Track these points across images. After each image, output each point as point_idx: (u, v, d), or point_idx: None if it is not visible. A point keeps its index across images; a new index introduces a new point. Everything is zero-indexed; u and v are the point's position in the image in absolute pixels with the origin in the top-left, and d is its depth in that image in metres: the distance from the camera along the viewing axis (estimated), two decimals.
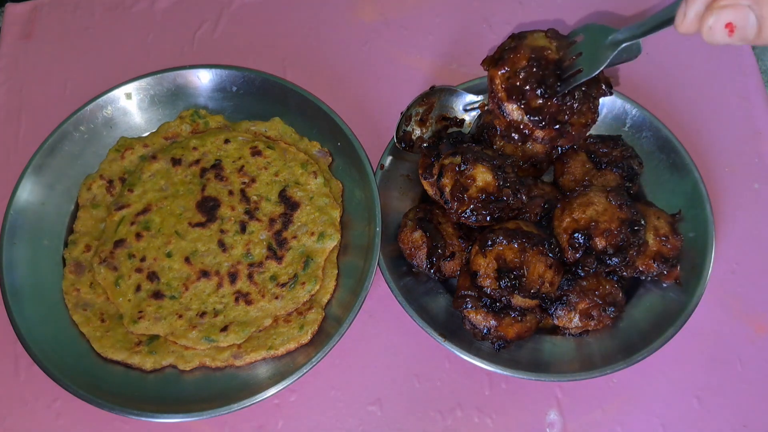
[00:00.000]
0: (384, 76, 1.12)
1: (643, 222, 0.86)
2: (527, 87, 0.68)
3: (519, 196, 0.88)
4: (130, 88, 1.00)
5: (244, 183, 0.96)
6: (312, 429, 0.89)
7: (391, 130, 0.95)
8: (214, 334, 0.87)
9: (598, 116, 0.70)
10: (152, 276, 0.91)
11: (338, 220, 0.95)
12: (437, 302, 0.91)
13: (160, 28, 1.16)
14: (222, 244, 0.93)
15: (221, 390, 0.85)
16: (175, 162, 0.98)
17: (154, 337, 0.89)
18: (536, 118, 0.69)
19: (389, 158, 0.96)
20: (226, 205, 0.95)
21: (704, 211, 0.91)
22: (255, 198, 0.96)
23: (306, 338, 0.88)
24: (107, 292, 0.91)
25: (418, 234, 0.89)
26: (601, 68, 0.65)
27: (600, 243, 0.85)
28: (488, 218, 0.86)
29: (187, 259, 0.92)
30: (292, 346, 0.88)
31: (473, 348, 0.86)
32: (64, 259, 0.93)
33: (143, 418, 0.82)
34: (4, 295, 0.87)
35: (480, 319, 0.85)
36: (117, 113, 1.01)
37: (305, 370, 0.83)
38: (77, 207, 0.97)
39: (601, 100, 0.95)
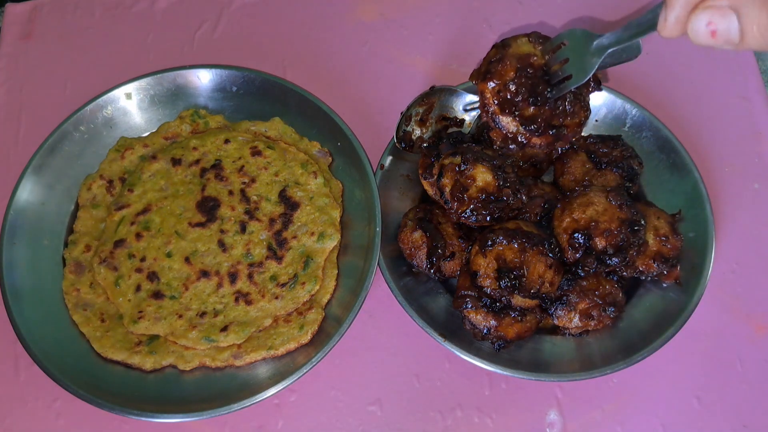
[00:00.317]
0: (384, 76, 1.12)
1: (643, 222, 0.86)
2: (519, 98, 0.68)
3: (519, 196, 0.88)
4: (130, 88, 1.00)
5: (244, 183, 0.96)
6: (312, 429, 0.89)
7: (391, 130, 0.95)
8: (214, 334, 0.87)
9: (590, 112, 0.70)
10: (152, 276, 0.91)
11: (338, 220, 0.95)
12: (437, 302, 0.91)
13: (160, 28, 1.16)
14: (222, 244, 0.93)
15: (221, 390, 0.85)
16: (175, 162, 0.98)
17: (154, 337, 0.89)
18: (532, 127, 0.69)
19: (389, 158, 0.96)
20: (226, 205, 0.95)
21: (704, 211, 0.91)
22: (255, 198, 0.96)
23: (306, 338, 0.88)
24: (107, 292, 0.91)
25: (418, 234, 0.89)
26: (590, 74, 0.65)
27: (600, 243, 0.85)
28: (488, 218, 0.86)
29: (187, 259, 0.92)
30: (292, 346, 0.88)
31: (473, 348, 0.86)
32: (64, 259, 0.93)
33: (143, 418, 0.82)
34: (4, 295, 0.87)
35: (480, 319, 0.85)
36: (117, 113, 1.01)
37: (305, 370, 0.83)
38: (77, 207, 0.97)
39: (602, 100, 0.95)
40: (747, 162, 1.04)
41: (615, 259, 0.85)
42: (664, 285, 0.90)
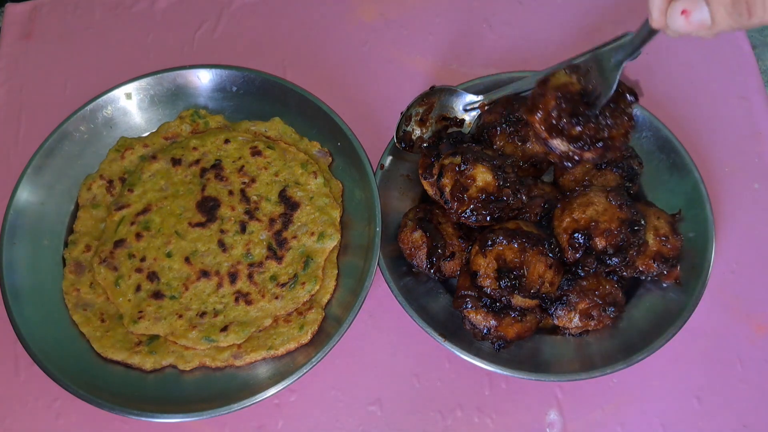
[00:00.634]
0: (384, 76, 1.12)
1: (643, 222, 0.86)
2: (564, 121, 0.75)
3: (519, 196, 0.88)
4: (130, 88, 1.00)
5: (244, 183, 0.96)
6: (312, 429, 0.89)
7: (391, 130, 0.95)
8: (214, 334, 0.87)
9: (635, 122, 0.78)
10: (152, 276, 0.91)
11: (338, 220, 0.95)
12: (437, 302, 0.91)
13: (160, 28, 1.16)
14: (222, 244, 0.93)
15: (221, 390, 0.85)
16: (175, 162, 0.98)
17: (154, 337, 0.89)
18: (580, 144, 0.76)
19: (389, 158, 0.96)
20: (226, 205, 0.95)
21: (704, 211, 0.91)
22: (255, 198, 0.96)
23: (306, 338, 0.88)
24: (107, 292, 0.91)
25: (418, 234, 0.89)
26: (614, 87, 0.73)
27: (600, 243, 0.85)
28: (488, 218, 0.86)
29: (187, 259, 0.92)
30: (292, 346, 0.88)
31: (473, 348, 0.86)
32: (64, 259, 0.93)
33: (143, 418, 0.82)
34: (4, 295, 0.87)
35: (480, 319, 0.85)
36: (117, 113, 1.01)
37: (305, 370, 0.83)
38: (77, 207, 0.97)
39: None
40: (747, 162, 1.04)
41: (615, 259, 0.85)
42: (664, 285, 0.90)
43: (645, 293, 0.91)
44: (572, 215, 0.87)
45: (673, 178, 0.95)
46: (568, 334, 0.89)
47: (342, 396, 0.91)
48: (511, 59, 1.13)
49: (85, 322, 0.89)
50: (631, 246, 0.85)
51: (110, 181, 0.98)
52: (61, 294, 0.91)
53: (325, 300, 0.91)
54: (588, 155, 0.77)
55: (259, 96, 1.02)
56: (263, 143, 0.99)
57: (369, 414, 0.90)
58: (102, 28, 1.16)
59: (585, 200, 0.87)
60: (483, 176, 0.86)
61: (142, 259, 0.92)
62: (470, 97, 0.98)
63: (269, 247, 0.93)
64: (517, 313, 0.85)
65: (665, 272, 0.87)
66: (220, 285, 0.91)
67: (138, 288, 0.90)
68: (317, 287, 0.91)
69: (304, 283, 0.90)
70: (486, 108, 0.97)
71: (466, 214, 0.87)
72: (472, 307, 0.85)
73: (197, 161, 0.98)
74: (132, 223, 0.94)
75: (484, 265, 0.84)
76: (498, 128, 0.94)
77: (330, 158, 1.00)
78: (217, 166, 0.97)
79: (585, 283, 0.87)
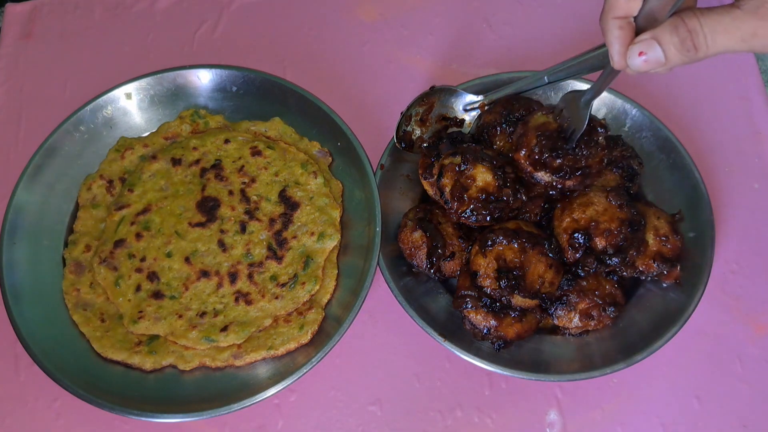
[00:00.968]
0: (384, 76, 1.12)
1: (643, 222, 0.86)
2: (545, 156, 0.86)
3: (519, 196, 0.88)
4: (130, 88, 1.00)
5: (244, 183, 0.97)
6: (312, 429, 0.89)
7: (391, 130, 0.95)
8: (214, 334, 0.87)
9: (606, 151, 0.88)
10: (152, 276, 0.91)
11: (338, 220, 0.95)
12: (437, 302, 0.91)
13: (160, 28, 1.16)
14: (222, 244, 0.93)
15: (221, 390, 0.85)
16: (175, 162, 0.98)
17: (154, 337, 0.89)
18: (561, 174, 0.86)
19: (389, 158, 0.96)
20: (226, 205, 0.95)
21: (704, 211, 0.91)
22: (255, 198, 0.96)
23: (306, 338, 0.88)
24: (107, 292, 0.91)
25: (418, 234, 0.89)
26: (586, 122, 0.83)
27: (600, 243, 0.85)
28: (488, 218, 0.86)
29: (187, 259, 0.92)
30: (292, 346, 0.88)
31: (473, 348, 0.86)
32: (64, 259, 0.93)
33: (143, 418, 0.82)
34: (4, 295, 0.87)
35: (480, 319, 0.85)
36: (117, 113, 1.01)
37: (305, 370, 0.83)
38: (77, 207, 0.97)
39: (603, 100, 0.96)
40: (747, 162, 1.04)
41: (615, 259, 0.85)
42: (664, 285, 0.90)
43: (645, 293, 0.91)
44: (572, 215, 0.87)
45: (673, 178, 0.95)
46: (568, 334, 0.89)
47: (342, 396, 0.91)
48: (511, 59, 1.13)
49: (85, 322, 0.89)
50: (631, 246, 0.85)
51: (110, 181, 0.98)
52: (61, 294, 0.91)
53: (325, 300, 0.91)
54: (569, 183, 0.87)
55: (259, 96, 1.02)
56: (263, 143, 0.99)
57: (369, 414, 0.90)
58: (102, 28, 1.16)
59: (585, 200, 0.87)
60: (483, 176, 0.86)
61: (142, 259, 0.92)
62: (470, 97, 0.98)
63: (269, 247, 0.93)
64: (517, 313, 0.85)
65: (665, 272, 0.87)
66: (220, 285, 0.91)
67: (138, 288, 0.90)
68: (317, 287, 0.91)
69: (304, 283, 0.90)
70: (486, 108, 0.97)
71: (466, 214, 0.87)
72: (472, 307, 0.85)
73: (197, 161, 0.98)
74: (132, 223, 0.94)
75: (484, 265, 0.84)
76: (498, 128, 0.94)
77: (330, 158, 1.00)
78: (217, 166, 0.97)
79: (585, 283, 0.87)
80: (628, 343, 0.86)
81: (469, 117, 0.99)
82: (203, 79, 1.02)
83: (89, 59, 1.14)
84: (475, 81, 0.99)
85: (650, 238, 0.87)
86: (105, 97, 0.99)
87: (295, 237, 0.93)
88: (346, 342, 0.88)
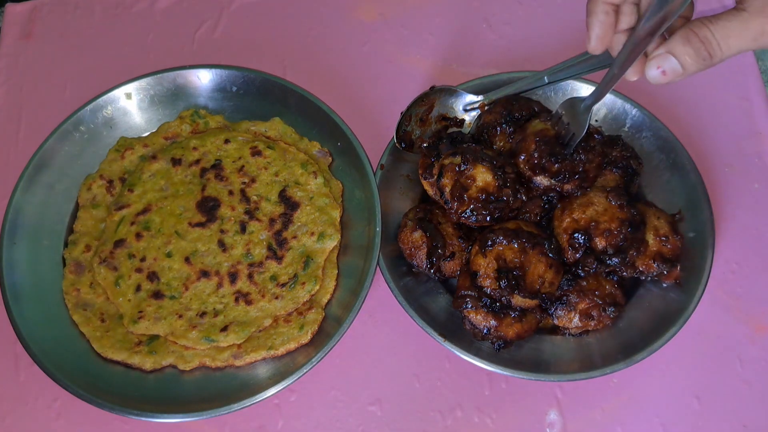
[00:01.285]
0: (384, 76, 1.12)
1: (643, 222, 0.86)
2: (544, 161, 0.87)
3: (519, 196, 0.88)
4: (130, 88, 1.00)
5: (244, 183, 0.97)
6: (312, 429, 0.89)
7: (391, 130, 0.95)
8: (214, 334, 0.87)
9: (601, 157, 0.90)
10: (152, 276, 0.91)
11: (338, 220, 0.95)
12: (437, 302, 0.91)
13: (160, 28, 1.16)
14: (222, 244, 0.93)
15: (221, 390, 0.85)
16: (175, 162, 0.98)
17: (154, 337, 0.89)
18: (559, 178, 0.87)
19: (389, 158, 0.96)
20: (226, 205, 0.95)
21: (704, 211, 0.91)
22: (255, 198, 0.96)
23: (306, 338, 0.88)
24: (107, 292, 0.91)
25: (418, 234, 0.89)
26: (586, 128, 0.85)
27: (600, 243, 0.85)
28: (488, 218, 0.86)
29: (187, 259, 0.92)
30: (292, 346, 0.88)
31: (473, 348, 0.86)
32: (64, 259, 0.93)
33: (143, 418, 0.82)
34: (4, 295, 0.87)
35: (480, 319, 0.85)
36: (117, 113, 1.01)
37: (305, 370, 0.83)
38: (77, 207, 0.97)
39: (603, 100, 0.96)
40: (747, 162, 1.04)
41: (615, 259, 0.85)
42: (664, 285, 0.90)
43: (645, 293, 0.91)
44: (572, 215, 0.87)
45: (673, 178, 0.95)
46: (568, 334, 0.89)
47: (342, 396, 0.91)
48: (511, 59, 1.13)
49: (85, 322, 0.89)
50: (631, 246, 0.85)
51: (110, 181, 0.98)
52: (61, 294, 0.91)
53: (325, 300, 0.91)
54: (567, 187, 0.88)
55: (259, 96, 1.02)
56: (263, 143, 0.99)
57: (369, 414, 0.90)
58: (102, 28, 1.16)
59: (585, 200, 0.88)
60: (483, 176, 0.86)
61: (142, 259, 0.92)
62: (470, 97, 0.98)
63: (269, 247, 0.93)
64: (517, 313, 0.85)
65: (665, 272, 0.87)
66: (220, 285, 0.91)
67: (138, 288, 0.90)
68: (317, 287, 0.91)
69: (304, 283, 0.90)
70: (486, 108, 0.97)
71: (466, 214, 0.87)
72: (472, 307, 0.85)
73: (197, 161, 0.98)
74: (132, 223, 0.94)
75: (484, 265, 0.84)
76: (498, 128, 0.94)
77: (330, 158, 1.00)
78: (217, 166, 0.97)
79: (585, 283, 0.87)
80: (628, 343, 0.86)
81: (469, 117, 0.99)
82: (203, 79, 1.02)
83: (89, 59, 1.14)
84: (475, 81, 0.99)
85: (650, 238, 0.87)
86: (105, 97, 0.99)
87: (295, 237, 0.93)
88: (346, 342, 0.88)
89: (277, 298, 0.90)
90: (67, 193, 0.97)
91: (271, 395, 0.83)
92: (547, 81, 0.95)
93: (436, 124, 0.98)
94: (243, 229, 0.94)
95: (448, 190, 0.88)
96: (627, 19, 0.69)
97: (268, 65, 1.06)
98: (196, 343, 0.87)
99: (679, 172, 0.95)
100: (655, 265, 0.86)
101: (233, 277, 0.91)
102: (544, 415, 0.90)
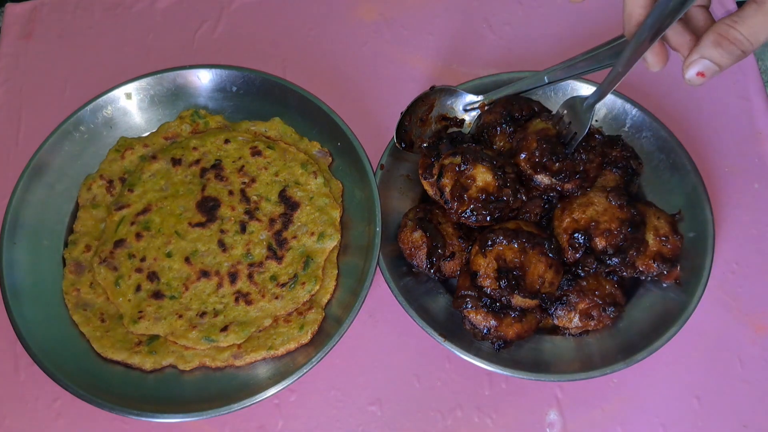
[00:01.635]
0: (384, 76, 1.12)
1: (643, 222, 0.86)
2: (545, 159, 0.88)
3: (519, 196, 0.88)
4: (130, 88, 1.00)
5: (244, 183, 0.97)
6: (312, 429, 0.89)
7: (391, 130, 0.95)
8: (214, 334, 0.87)
9: (602, 157, 0.90)
10: (152, 276, 0.91)
11: (338, 220, 0.95)
12: (437, 302, 0.91)
13: (160, 28, 1.16)
14: (222, 244, 0.93)
15: (221, 390, 0.85)
16: (175, 162, 0.98)
17: (154, 337, 0.89)
18: (560, 178, 0.87)
19: (389, 158, 0.96)
20: (226, 205, 0.95)
21: (704, 211, 0.91)
22: (255, 198, 0.96)
23: (306, 338, 0.88)
24: (107, 292, 0.91)
25: (418, 234, 0.89)
26: (588, 126, 0.85)
27: (600, 243, 0.85)
28: (488, 218, 0.86)
29: (187, 259, 0.92)
30: (292, 346, 0.88)
31: (473, 348, 0.86)
32: (64, 259, 0.93)
33: (143, 418, 0.82)
34: (4, 295, 0.87)
35: (480, 319, 0.85)
36: (117, 113, 1.01)
37: (305, 370, 0.83)
38: (77, 207, 0.97)
39: (603, 100, 0.96)
40: (747, 162, 1.04)
41: (615, 259, 0.85)
42: (664, 285, 0.90)
43: (645, 293, 0.91)
44: (572, 215, 0.87)
45: (673, 178, 0.95)
46: (568, 334, 0.89)
47: (342, 396, 0.91)
48: (511, 59, 1.13)
49: (85, 322, 0.89)
50: (631, 246, 0.85)
51: (110, 181, 0.98)
52: (61, 294, 0.91)
53: (325, 300, 0.91)
54: (568, 186, 0.88)
55: (259, 96, 1.02)
56: (263, 143, 0.99)
57: (369, 414, 0.90)
58: (102, 28, 1.16)
59: (585, 200, 0.88)
60: (483, 176, 0.86)
61: (142, 259, 0.92)
62: (470, 97, 0.98)
63: (269, 247, 0.93)
64: (517, 313, 0.85)
65: (665, 272, 0.87)
66: (220, 285, 0.91)
67: (138, 288, 0.90)
68: (317, 287, 0.91)
69: (304, 283, 0.90)
70: (486, 108, 0.97)
71: (466, 214, 0.87)
72: (472, 307, 0.85)
73: (197, 161, 0.98)
74: (132, 223, 0.94)
75: (484, 265, 0.84)
76: (498, 128, 0.94)
77: (330, 158, 1.00)
78: (217, 166, 0.97)
79: (585, 283, 0.87)
80: (628, 343, 0.86)
81: (469, 117, 0.99)
82: (203, 79, 1.02)
83: (89, 59, 1.14)
84: (475, 81, 0.99)
85: (650, 238, 0.87)
86: (105, 97, 0.99)
87: (295, 237, 0.93)
88: (346, 342, 0.88)
89: (277, 298, 0.90)
90: (67, 193, 0.97)
91: (271, 395, 0.83)
92: (547, 81, 0.95)
93: (436, 124, 0.98)
94: (243, 229, 0.94)
95: (448, 190, 0.88)
96: None
97: (268, 65, 1.06)
98: (196, 343, 0.87)
99: (679, 172, 0.95)
100: (655, 265, 0.86)
101: (233, 277, 0.91)
102: (544, 415, 0.90)
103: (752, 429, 0.89)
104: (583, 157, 0.88)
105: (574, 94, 0.98)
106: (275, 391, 0.83)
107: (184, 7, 1.18)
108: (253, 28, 1.16)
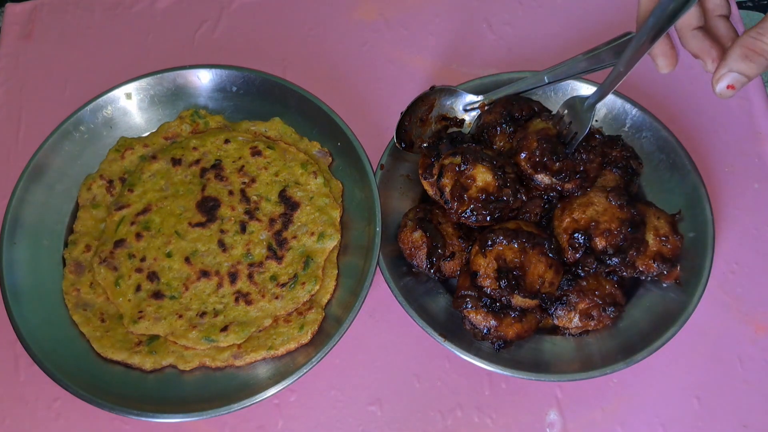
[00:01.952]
0: (384, 76, 1.12)
1: (643, 222, 0.86)
2: (545, 159, 0.87)
3: (519, 196, 0.88)
4: (130, 88, 1.00)
5: (244, 183, 0.97)
6: (312, 429, 0.89)
7: (391, 130, 0.95)
8: (214, 334, 0.87)
9: (602, 157, 0.91)
10: (152, 276, 0.91)
11: (338, 220, 0.95)
12: (437, 302, 0.91)
13: (160, 28, 1.16)
14: (222, 244, 0.93)
15: (221, 390, 0.85)
16: (175, 162, 0.98)
17: (154, 337, 0.89)
18: (560, 177, 0.88)
19: (389, 158, 0.96)
20: (226, 205, 0.95)
21: (704, 211, 0.91)
22: (255, 198, 0.96)
23: (306, 338, 0.88)
24: (107, 292, 0.91)
25: (418, 234, 0.89)
26: (588, 127, 0.85)
27: (600, 243, 0.85)
28: (488, 218, 0.86)
29: (187, 259, 0.92)
30: (292, 346, 0.88)
31: (473, 348, 0.86)
32: (64, 259, 0.93)
33: (143, 418, 0.82)
34: (4, 295, 0.87)
35: (480, 319, 0.85)
36: (117, 113, 1.01)
37: (305, 370, 0.83)
38: (77, 207, 0.97)
39: (603, 101, 0.97)
40: (747, 162, 1.04)
41: (615, 259, 0.85)
42: (664, 285, 0.90)
43: (645, 293, 0.91)
44: (572, 215, 0.87)
45: (673, 178, 0.95)
46: (568, 334, 0.89)
47: (342, 396, 0.91)
48: (511, 59, 1.13)
49: (85, 322, 0.89)
50: (631, 246, 0.85)
51: (110, 181, 0.98)
52: (61, 294, 0.91)
53: (325, 300, 0.91)
54: (568, 186, 0.88)
55: (259, 96, 1.02)
56: (263, 143, 0.99)
57: (369, 414, 0.90)
58: (102, 28, 1.16)
59: (585, 200, 0.88)
60: (483, 176, 0.86)
61: (142, 259, 0.92)
62: (470, 97, 0.98)
63: (269, 247, 0.93)
64: (517, 313, 0.85)
65: (665, 272, 0.87)
66: (220, 285, 0.91)
67: (138, 288, 0.90)
68: (317, 287, 0.91)
69: (304, 283, 0.90)
70: (486, 108, 0.97)
71: (466, 214, 0.87)
72: (472, 307, 0.85)
73: (197, 161, 0.98)
74: (132, 223, 0.94)
75: (484, 265, 0.84)
76: (498, 128, 0.94)
77: (330, 158, 1.00)
78: (217, 166, 0.97)
79: (585, 283, 0.87)
80: (628, 343, 0.86)
81: (469, 117, 0.99)
82: (203, 79, 1.02)
83: (89, 59, 1.14)
84: (475, 81, 0.99)
85: (650, 238, 0.87)
86: (105, 97, 0.99)
87: (295, 237, 0.93)
88: (346, 342, 0.88)
89: (277, 298, 0.90)
90: (67, 193, 0.97)
91: (271, 395, 0.83)
92: (547, 81, 0.95)
93: (436, 124, 0.98)
94: (243, 229, 0.94)
95: (448, 190, 0.88)
96: None
97: (268, 65, 1.06)
98: (196, 343, 0.87)
99: (679, 172, 0.95)
100: (655, 265, 0.86)
101: (233, 277, 0.91)
102: (544, 415, 0.90)
103: (752, 429, 0.89)
104: (584, 157, 0.88)
105: (574, 94, 0.98)
106: (275, 391, 0.83)
107: (184, 7, 1.18)
108: (253, 28, 1.16)
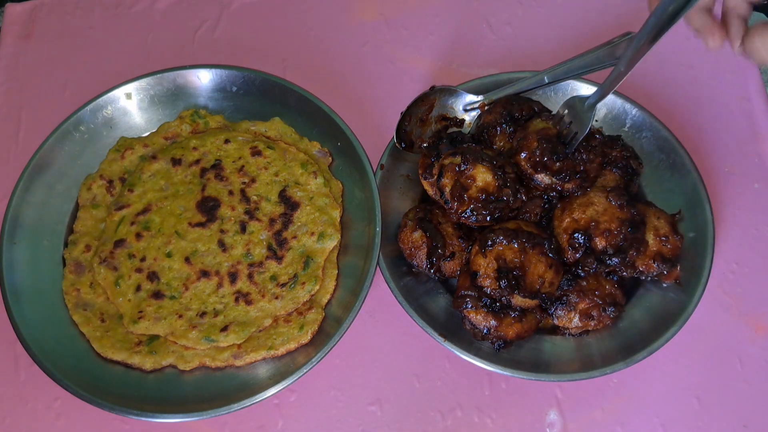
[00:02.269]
0: (384, 76, 1.12)
1: (643, 222, 0.86)
2: (545, 159, 0.87)
3: (519, 196, 0.88)
4: (130, 88, 1.00)
5: (244, 183, 0.97)
6: (312, 429, 0.89)
7: (391, 130, 0.95)
8: (214, 334, 0.87)
9: (602, 157, 0.91)
10: (152, 276, 0.91)
11: (338, 220, 0.95)
12: (437, 302, 0.91)
13: (160, 28, 1.16)
14: (222, 244, 0.93)
15: (221, 390, 0.85)
16: (175, 162, 0.98)
17: (154, 337, 0.89)
18: (560, 177, 0.88)
19: (389, 158, 0.96)
20: (226, 205, 0.95)
21: (704, 211, 0.91)
22: (255, 198, 0.96)
23: (306, 338, 0.88)
24: (107, 292, 0.91)
25: (418, 234, 0.89)
26: (589, 126, 0.86)
27: (600, 243, 0.85)
28: (488, 218, 0.86)
29: (187, 259, 0.92)
30: (292, 346, 0.88)
31: (473, 348, 0.86)
32: (64, 259, 0.93)
33: (143, 418, 0.82)
34: (4, 295, 0.87)
35: (480, 319, 0.85)
36: (117, 113, 1.01)
37: (305, 370, 0.83)
38: (77, 207, 0.97)
39: (603, 101, 0.97)
40: (747, 162, 1.04)
41: (615, 259, 0.85)
42: (664, 285, 0.90)
43: (645, 293, 0.91)
44: (572, 215, 0.87)
45: (673, 178, 0.95)
46: (568, 334, 0.89)
47: (342, 396, 0.91)
48: (511, 59, 1.13)
49: (85, 322, 0.89)
50: (631, 246, 0.85)
51: (110, 181, 0.98)
52: (61, 294, 0.91)
53: (325, 300, 0.91)
54: (568, 186, 0.88)
55: (259, 96, 1.02)
56: (263, 143, 0.99)
57: (369, 414, 0.90)
58: (102, 28, 1.16)
59: (585, 200, 0.88)
60: (483, 176, 0.86)
61: (142, 259, 0.92)
62: (470, 97, 0.98)
63: (269, 247, 0.93)
64: (517, 313, 0.85)
65: (665, 272, 0.87)
66: (220, 285, 0.91)
67: (138, 288, 0.90)
68: (317, 287, 0.91)
69: (304, 283, 0.90)
70: (486, 108, 0.97)
71: (466, 214, 0.87)
72: (472, 307, 0.85)
73: (197, 161, 0.98)
74: (132, 223, 0.94)
75: (484, 265, 0.84)
76: (498, 128, 0.94)
77: (330, 158, 1.00)
78: (217, 166, 0.97)
79: (585, 283, 0.87)
80: (628, 343, 0.86)
81: (469, 117, 0.99)
82: (203, 79, 1.02)
83: (89, 59, 1.14)
84: (475, 81, 0.99)
85: (650, 238, 0.87)
86: (105, 97, 0.99)
87: (295, 237, 0.93)
88: (346, 342, 0.88)
89: (277, 298, 0.90)
90: (67, 193, 0.97)
91: (271, 395, 0.83)
92: (547, 81, 0.95)
93: (436, 124, 0.98)
94: (243, 229, 0.94)
95: (448, 190, 0.88)
96: None
97: (268, 65, 1.06)
98: (196, 343, 0.87)
99: (679, 172, 0.95)
100: (655, 265, 0.86)
101: (233, 277, 0.91)
102: (544, 415, 0.90)
103: (752, 429, 0.89)
104: (584, 157, 0.88)
105: (574, 94, 0.98)
106: (275, 391, 0.83)
107: (184, 7, 1.18)
108: (253, 28, 1.16)
